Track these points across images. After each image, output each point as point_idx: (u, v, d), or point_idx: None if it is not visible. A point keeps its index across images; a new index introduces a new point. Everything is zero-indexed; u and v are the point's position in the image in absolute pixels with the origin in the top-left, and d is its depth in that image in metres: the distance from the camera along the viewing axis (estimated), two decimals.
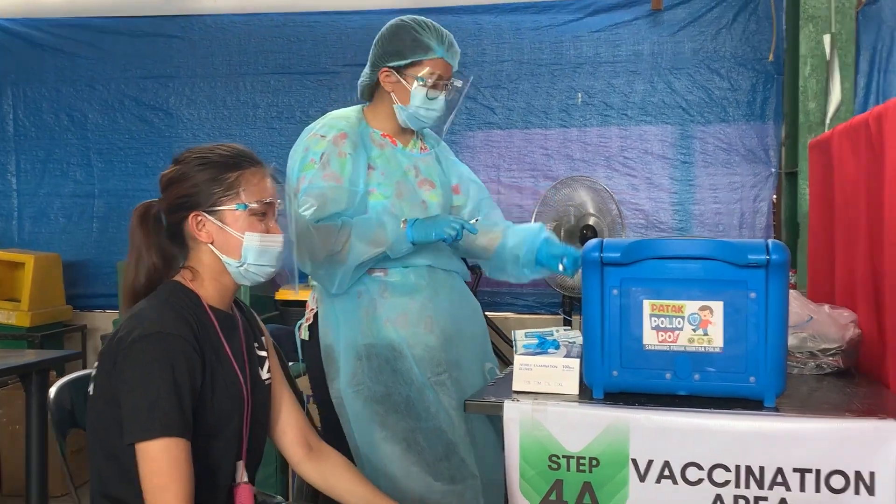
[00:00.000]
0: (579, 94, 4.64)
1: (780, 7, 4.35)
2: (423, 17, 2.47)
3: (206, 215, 1.69)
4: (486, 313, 4.50)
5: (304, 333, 2.51)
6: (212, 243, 1.70)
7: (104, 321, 4.93)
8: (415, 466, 2.37)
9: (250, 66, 4.91)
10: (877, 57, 4.20)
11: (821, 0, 3.94)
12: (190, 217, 1.69)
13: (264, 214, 1.73)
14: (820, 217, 2.66)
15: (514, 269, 2.58)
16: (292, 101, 4.85)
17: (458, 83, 2.50)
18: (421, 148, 2.58)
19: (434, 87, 2.42)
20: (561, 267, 2.45)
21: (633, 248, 1.75)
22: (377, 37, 2.49)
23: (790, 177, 4.19)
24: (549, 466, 1.72)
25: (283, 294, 4.23)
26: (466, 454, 2.39)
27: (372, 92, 2.52)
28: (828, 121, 3.83)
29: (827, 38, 3.87)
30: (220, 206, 1.69)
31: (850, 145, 2.23)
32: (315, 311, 2.49)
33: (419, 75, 2.41)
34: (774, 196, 4.43)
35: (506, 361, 4.31)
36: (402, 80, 2.42)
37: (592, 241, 1.80)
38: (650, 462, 1.67)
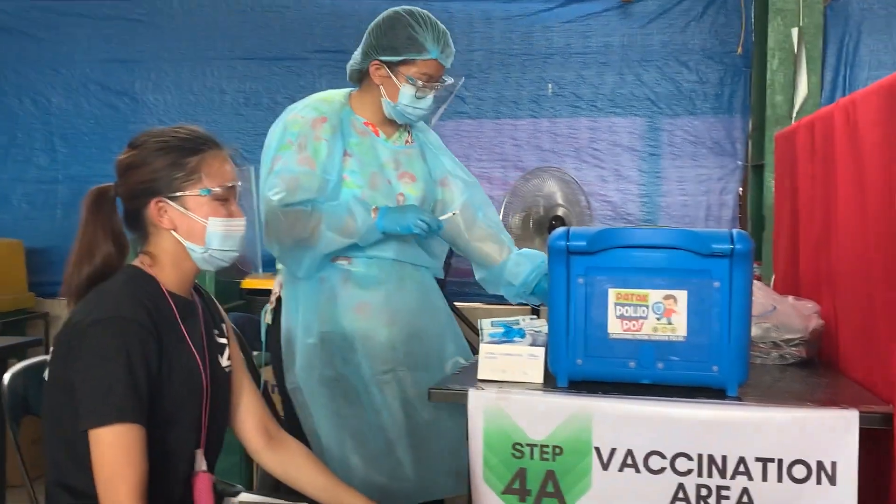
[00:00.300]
0: (550, 85, 4.63)
1: (748, 1, 4.36)
2: (420, 10, 2.40)
3: (168, 202, 1.65)
4: (455, 303, 4.53)
5: (268, 318, 2.50)
6: (174, 230, 1.67)
7: (67, 309, 4.84)
8: (356, 457, 2.36)
9: (217, 51, 4.85)
10: (844, 51, 4.24)
11: None
12: (151, 204, 1.65)
13: (226, 199, 1.70)
14: (784, 209, 2.68)
15: (512, 297, 2.59)
16: (260, 88, 4.79)
17: (450, 80, 2.46)
18: (406, 140, 2.54)
19: (424, 87, 2.39)
20: None
21: (598, 237, 1.75)
22: (372, 25, 2.43)
23: (756, 169, 4.21)
24: (513, 455, 1.72)
25: (249, 283, 4.19)
26: (404, 455, 2.38)
27: (361, 78, 2.49)
28: (794, 114, 3.85)
29: (795, 32, 3.89)
30: (181, 191, 1.65)
31: (813, 138, 2.25)
32: (279, 295, 2.47)
33: (410, 74, 2.37)
34: (741, 189, 4.46)
35: (474, 351, 4.30)
36: (392, 76, 2.38)
37: (559, 230, 1.79)
38: (613, 450, 1.68)
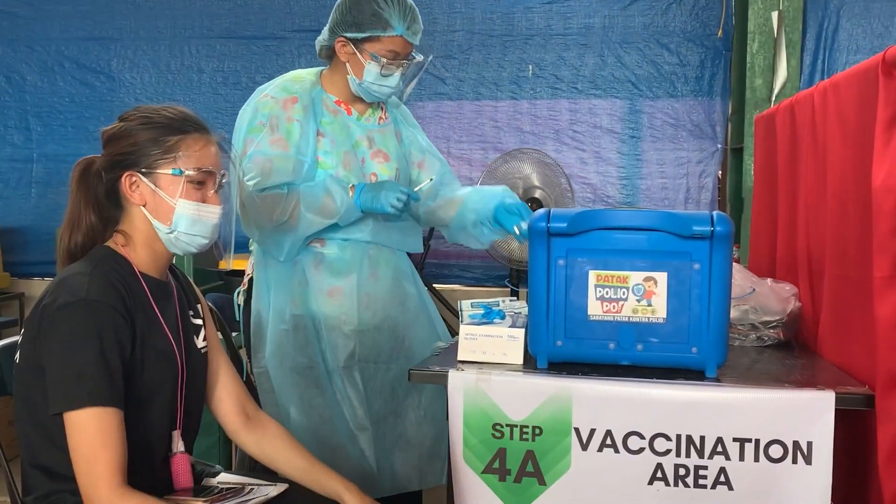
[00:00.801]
0: (530, 67, 4.62)
1: None
2: None
3: (141, 176, 1.64)
4: (434, 285, 4.53)
5: (240, 299, 2.48)
6: (144, 206, 1.65)
7: (42, 289, 4.79)
8: (324, 446, 2.35)
9: (196, 29, 4.79)
10: (823, 35, 4.25)
11: None
12: (124, 176, 1.64)
13: (202, 183, 1.67)
14: (763, 192, 2.69)
15: (474, 229, 2.49)
16: (238, 67, 4.75)
17: (419, 58, 2.42)
18: (380, 118, 2.50)
19: (390, 64, 2.34)
20: (517, 230, 2.36)
21: (579, 219, 1.75)
22: (338, 1, 2.38)
23: (736, 153, 4.23)
24: (493, 435, 1.72)
25: (224, 263, 4.16)
26: (366, 445, 2.37)
27: (330, 55, 2.45)
28: (773, 97, 3.87)
29: (775, 15, 3.90)
30: (155, 168, 1.64)
31: (794, 121, 2.26)
32: (251, 276, 2.45)
33: (375, 51, 2.32)
34: (720, 171, 4.47)
35: (453, 333, 4.31)
36: (357, 52, 2.34)
37: (540, 211, 1.79)
38: (592, 431, 1.68)
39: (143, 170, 1.63)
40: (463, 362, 1.82)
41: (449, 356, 1.89)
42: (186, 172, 1.64)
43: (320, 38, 2.44)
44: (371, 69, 2.34)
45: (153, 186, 1.64)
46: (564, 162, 4.52)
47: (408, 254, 2.59)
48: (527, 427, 1.71)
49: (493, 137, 4.67)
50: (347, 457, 2.37)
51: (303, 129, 2.33)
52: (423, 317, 2.56)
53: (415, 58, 2.41)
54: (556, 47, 4.59)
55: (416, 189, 2.42)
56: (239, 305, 2.48)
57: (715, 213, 1.72)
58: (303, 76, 2.44)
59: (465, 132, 4.69)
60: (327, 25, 2.40)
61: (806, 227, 2.13)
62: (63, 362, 1.50)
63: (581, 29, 4.56)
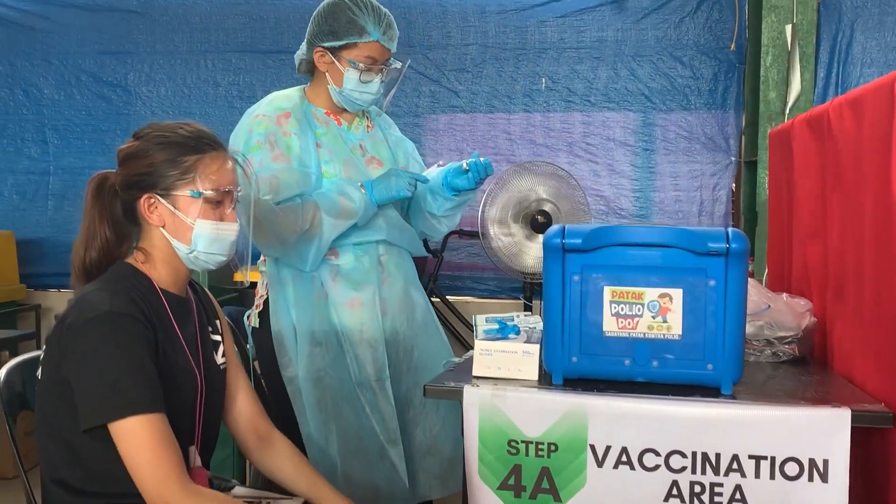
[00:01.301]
0: (543, 80, 4.63)
1: None
2: None
3: (159, 198, 1.64)
4: (447, 297, 4.53)
5: (253, 321, 2.47)
6: (163, 227, 1.66)
7: (59, 300, 4.84)
8: (358, 460, 2.36)
9: (212, 43, 4.83)
10: (837, 48, 4.24)
11: None
12: (143, 198, 1.64)
13: (220, 202, 1.68)
14: (778, 206, 2.69)
15: (432, 202, 2.53)
16: (254, 80, 4.78)
17: (397, 65, 2.43)
18: (367, 126, 2.52)
19: (368, 70, 2.36)
20: (465, 166, 2.41)
21: (594, 235, 1.75)
22: (314, 13, 2.40)
23: (750, 166, 4.22)
24: (508, 451, 1.72)
25: (240, 276, 4.17)
26: (397, 459, 2.38)
27: (310, 69, 2.46)
28: (787, 110, 3.87)
29: (788, 29, 3.90)
30: (174, 190, 1.64)
31: (810, 135, 2.25)
32: (265, 297, 2.44)
33: (352, 58, 2.34)
34: (734, 185, 4.47)
35: (466, 346, 4.31)
36: (335, 61, 2.35)
37: (554, 227, 1.79)
38: (608, 448, 1.68)
39: (161, 192, 1.64)
40: (478, 378, 1.82)
41: (463, 371, 1.89)
42: (205, 193, 1.65)
43: (299, 52, 2.46)
44: (350, 76, 2.36)
45: (171, 208, 1.65)
46: (577, 174, 4.52)
47: (421, 266, 2.61)
48: (542, 443, 1.71)
49: (506, 150, 4.68)
50: (380, 470, 2.37)
51: (301, 141, 2.34)
52: (431, 327, 2.57)
53: (392, 64, 2.42)
54: (569, 60, 4.60)
55: (425, 173, 2.45)
56: (253, 328, 2.47)
57: (730, 229, 1.72)
58: (288, 93, 2.46)
59: (478, 145, 4.70)
60: (305, 39, 2.42)
61: (822, 242, 2.13)
62: (95, 374, 1.49)
63: (594, 42, 4.58)
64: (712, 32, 4.46)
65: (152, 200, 1.64)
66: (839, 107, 1.99)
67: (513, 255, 3.82)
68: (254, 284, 2.50)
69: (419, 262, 4.00)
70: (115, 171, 1.69)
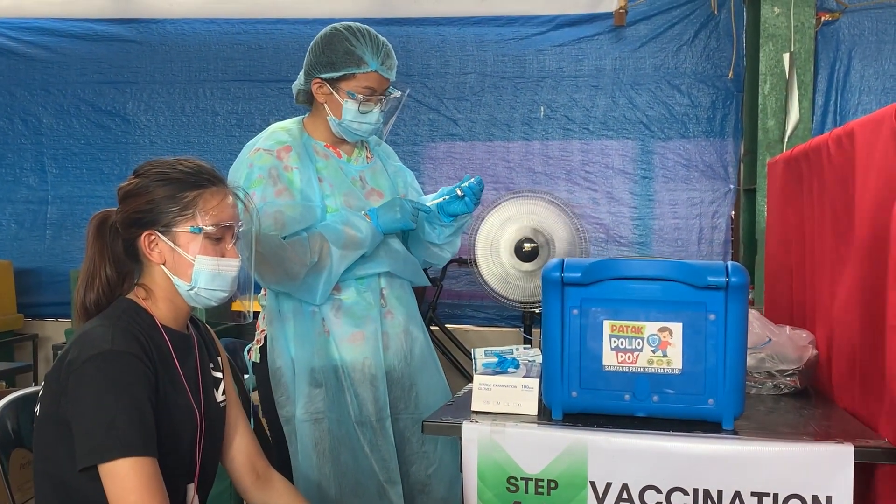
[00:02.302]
0: (542, 108, 4.64)
1: (740, 25, 4.40)
2: (360, 25, 2.36)
3: (160, 235, 1.63)
4: (447, 325, 4.52)
5: (254, 356, 2.44)
6: (164, 264, 1.65)
7: (56, 330, 4.83)
8: (356, 501, 2.32)
9: (210, 72, 4.85)
10: (835, 76, 4.26)
11: (780, 19, 3.99)
12: (143, 235, 1.64)
13: (220, 238, 1.67)
14: (777, 236, 2.68)
15: (431, 232, 2.52)
16: (252, 109, 4.80)
17: (396, 94, 2.41)
18: (367, 157, 2.51)
19: (367, 101, 2.34)
20: (459, 192, 2.41)
21: (593, 269, 1.74)
22: (311, 43, 2.38)
23: (748, 193, 4.23)
24: (508, 488, 1.70)
25: (239, 306, 4.16)
26: (396, 499, 2.35)
27: (308, 100, 2.44)
28: (786, 139, 3.88)
29: (786, 57, 3.92)
30: (174, 226, 1.63)
31: (806, 167, 2.25)
32: (265, 332, 2.42)
33: (350, 89, 2.32)
34: (733, 212, 4.47)
35: (465, 375, 4.29)
36: (334, 92, 2.33)
37: (553, 261, 1.78)
38: (608, 485, 1.66)
39: (162, 228, 1.63)
40: (477, 412, 1.80)
41: (462, 406, 1.87)
42: (205, 230, 1.64)
43: (296, 82, 2.44)
44: (349, 107, 2.34)
45: (172, 244, 1.64)
46: (576, 202, 4.53)
47: (420, 294, 2.59)
48: (542, 480, 1.68)
49: (505, 178, 4.69)
50: None
51: (302, 175, 2.32)
52: (429, 363, 2.54)
53: (392, 93, 2.41)
54: (567, 89, 4.62)
55: (429, 204, 2.44)
56: (254, 362, 2.45)
57: (730, 263, 1.71)
58: (288, 126, 2.43)
59: (476, 172, 4.69)
60: (302, 70, 2.41)
61: (823, 274, 2.12)
62: (92, 414, 1.48)
63: (592, 71, 4.60)
64: (710, 61, 4.49)
65: (153, 237, 1.64)
66: (836, 139, 1.99)
67: (501, 284, 3.81)
68: (256, 314, 2.47)
69: (418, 291, 3.99)
70: (115, 209, 1.68)
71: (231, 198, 1.70)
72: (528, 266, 3.81)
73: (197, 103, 4.86)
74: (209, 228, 1.64)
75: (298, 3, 4.66)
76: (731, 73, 4.41)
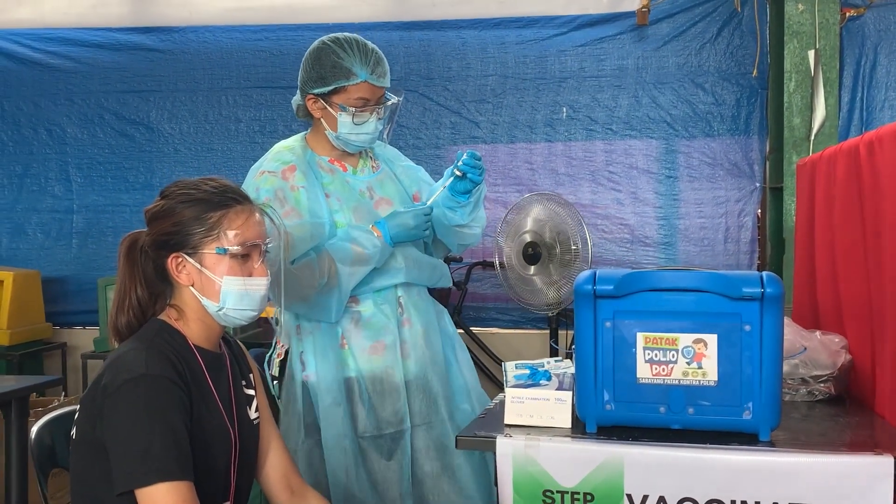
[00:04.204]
0: (564, 109, 4.62)
1: (764, 22, 4.35)
2: (348, 35, 2.35)
3: (187, 257, 1.64)
4: (472, 328, 4.51)
5: (274, 370, 2.45)
6: (192, 285, 1.66)
7: (84, 338, 4.86)
8: None
9: (232, 79, 4.86)
10: (860, 72, 4.21)
11: (805, 15, 3.95)
12: (171, 258, 1.64)
13: (247, 256, 1.67)
14: (806, 239, 2.66)
15: (453, 216, 2.47)
16: (275, 116, 4.81)
17: (393, 100, 2.38)
18: (372, 167, 2.50)
19: (361, 111, 2.32)
20: (458, 173, 2.37)
21: (626, 281, 1.73)
22: (303, 59, 2.37)
23: (775, 192, 4.19)
24: (544, 501, 1.70)
25: (269, 310, 4.16)
26: None
27: (309, 114, 2.42)
28: (813, 136, 3.84)
29: (811, 54, 3.88)
30: (200, 248, 1.64)
31: (840, 170, 2.23)
32: (286, 346, 2.42)
33: (342, 102, 2.30)
34: (759, 210, 4.43)
35: (492, 379, 4.28)
36: (327, 106, 2.32)
37: (585, 273, 1.77)
38: (645, 497, 1.65)
39: (189, 251, 1.64)
40: (510, 426, 1.80)
41: (494, 420, 1.87)
42: (230, 250, 1.64)
43: (295, 98, 2.43)
44: (343, 120, 2.32)
45: (199, 266, 1.64)
46: (601, 203, 4.51)
47: (445, 297, 2.56)
48: (578, 493, 1.68)
49: (528, 180, 4.67)
50: None
51: (309, 193, 2.31)
52: (454, 374, 2.53)
53: (389, 100, 2.39)
54: (589, 89, 4.60)
55: (428, 203, 2.42)
56: (274, 377, 2.45)
57: (765, 273, 1.69)
58: (291, 145, 2.43)
59: (499, 175, 4.69)
60: (298, 86, 2.41)
61: (857, 278, 2.09)
62: (128, 439, 1.49)
63: (615, 70, 4.57)
64: (734, 58, 4.45)
65: (180, 259, 1.64)
66: (867, 143, 1.97)
67: (522, 288, 3.80)
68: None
69: (443, 294, 3.98)
70: (144, 230, 1.69)
71: (257, 215, 1.70)
72: (532, 269, 3.80)
73: (220, 110, 4.87)
74: (234, 249, 1.64)
75: (318, 10, 4.66)
76: (755, 70, 4.37)
